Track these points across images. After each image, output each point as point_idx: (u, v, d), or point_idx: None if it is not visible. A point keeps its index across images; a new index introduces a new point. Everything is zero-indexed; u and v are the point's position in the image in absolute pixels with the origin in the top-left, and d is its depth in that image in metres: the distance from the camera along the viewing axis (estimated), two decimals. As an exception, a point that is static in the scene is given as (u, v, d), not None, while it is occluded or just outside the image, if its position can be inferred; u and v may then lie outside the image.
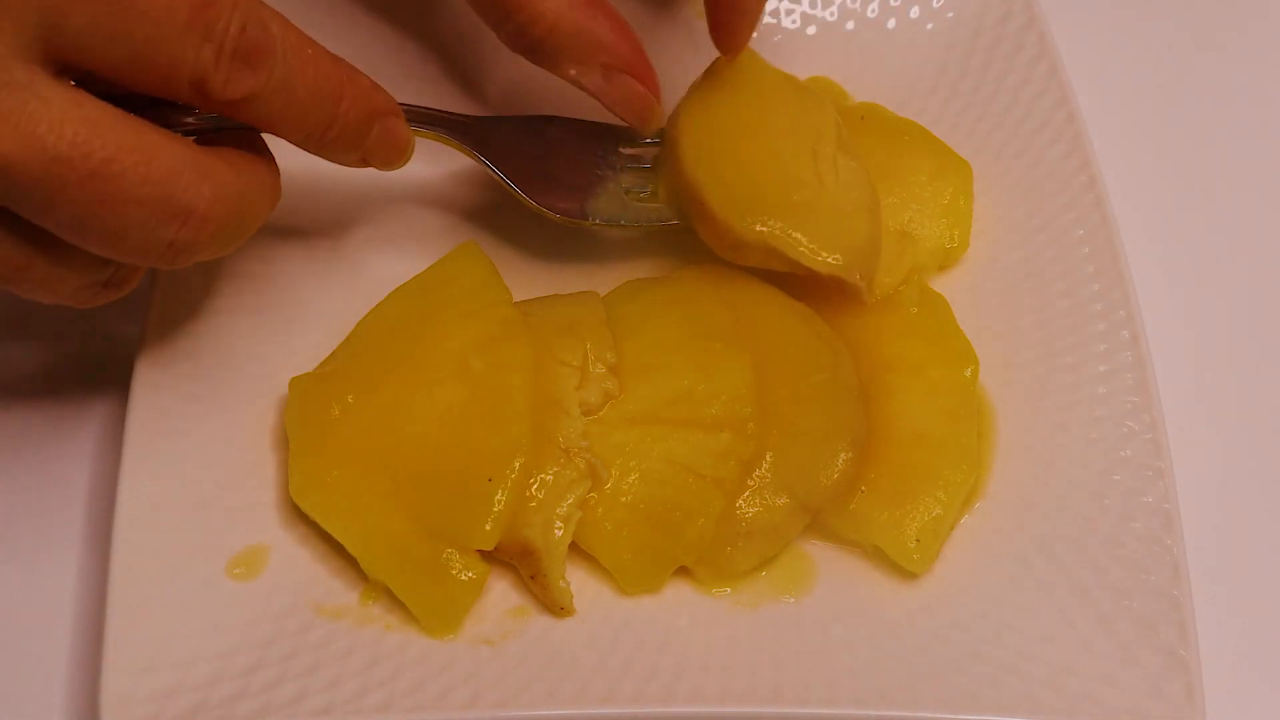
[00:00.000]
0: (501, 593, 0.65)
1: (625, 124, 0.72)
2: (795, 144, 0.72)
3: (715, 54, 0.74)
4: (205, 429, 0.66)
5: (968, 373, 0.70)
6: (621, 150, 0.73)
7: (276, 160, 0.61)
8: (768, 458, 0.66)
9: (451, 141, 0.70)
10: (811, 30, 0.83)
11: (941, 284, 0.74)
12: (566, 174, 0.71)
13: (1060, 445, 0.68)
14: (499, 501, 0.63)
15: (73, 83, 0.51)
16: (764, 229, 0.69)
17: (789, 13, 0.83)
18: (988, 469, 0.68)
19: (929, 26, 0.83)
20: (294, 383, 0.67)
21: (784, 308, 0.71)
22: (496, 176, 0.70)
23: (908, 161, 0.76)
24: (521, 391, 0.65)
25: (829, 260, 0.69)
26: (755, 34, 0.74)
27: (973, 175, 0.76)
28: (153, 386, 0.66)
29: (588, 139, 0.73)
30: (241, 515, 0.65)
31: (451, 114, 0.70)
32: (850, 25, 0.83)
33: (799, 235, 0.69)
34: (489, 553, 0.64)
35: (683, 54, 0.77)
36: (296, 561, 0.64)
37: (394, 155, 0.64)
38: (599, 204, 0.71)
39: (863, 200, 0.72)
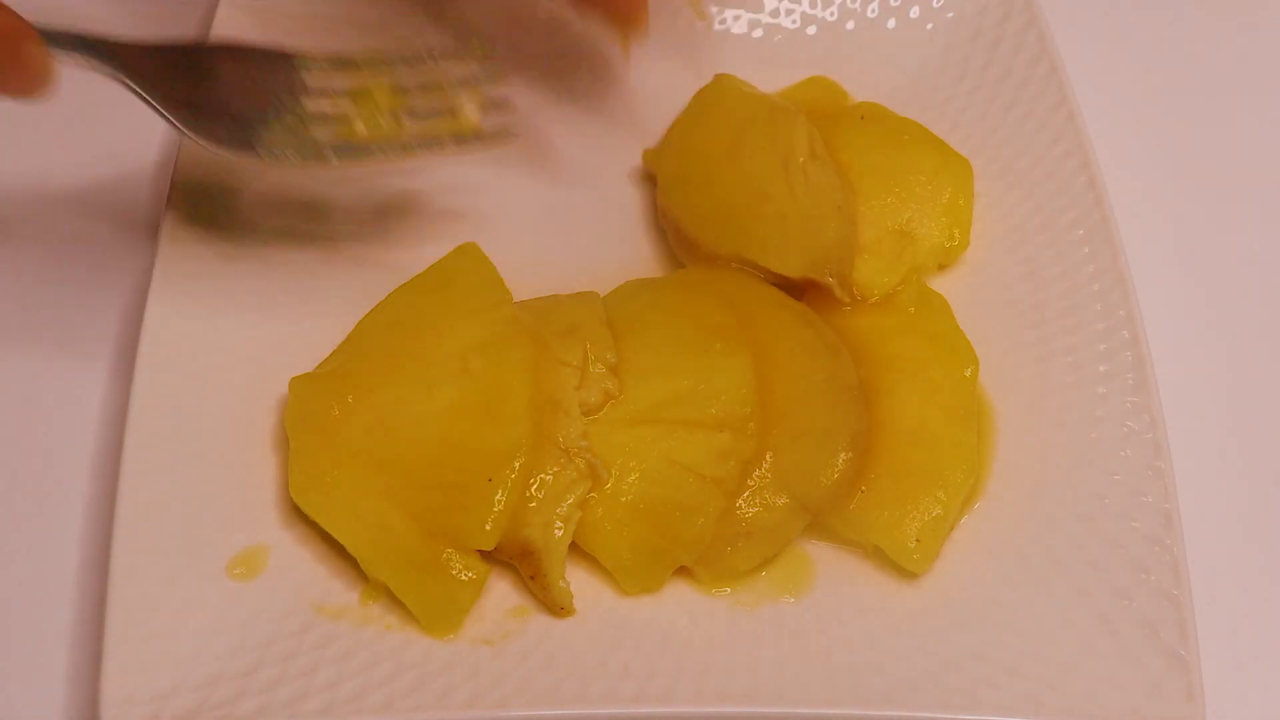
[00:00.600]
0: (501, 593, 0.65)
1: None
2: (766, 161, 0.74)
3: (714, 55, 0.77)
4: (205, 429, 0.66)
5: (967, 372, 0.69)
6: (306, 79, 0.68)
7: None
8: (767, 458, 0.66)
9: (100, 67, 0.62)
10: (812, 30, 0.84)
11: (941, 283, 0.74)
12: (234, 103, 0.66)
13: (1060, 445, 0.68)
14: (499, 502, 0.63)
15: None
16: (734, 241, 0.71)
17: (789, 12, 0.84)
18: (988, 469, 0.68)
19: (929, 26, 0.83)
20: (294, 383, 0.67)
21: (783, 307, 0.71)
22: (149, 105, 0.64)
23: (907, 160, 0.76)
24: (521, 392, 0.65)
25: (795, 263, 0.70)
26: (758, 34, 0.77)
27: (973, 174, 0.76)
28: (152, 387, 0.66)
29: (262, 66, 0.67)
30: (241, 515, 0.65)
31: (100, 37, 0.63)
32: (850, 25, 0.84)
33: (766, 243, 0.71)
34: (489, 553, 0.64)
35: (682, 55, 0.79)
36: (296, 561, 0.64)
37: (29, 82, 0.58)
38: (271, 135, 0.66)
39: (832, 202, 0.73)
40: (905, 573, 0.66)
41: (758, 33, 0.84)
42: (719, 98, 0.78)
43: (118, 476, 0.63)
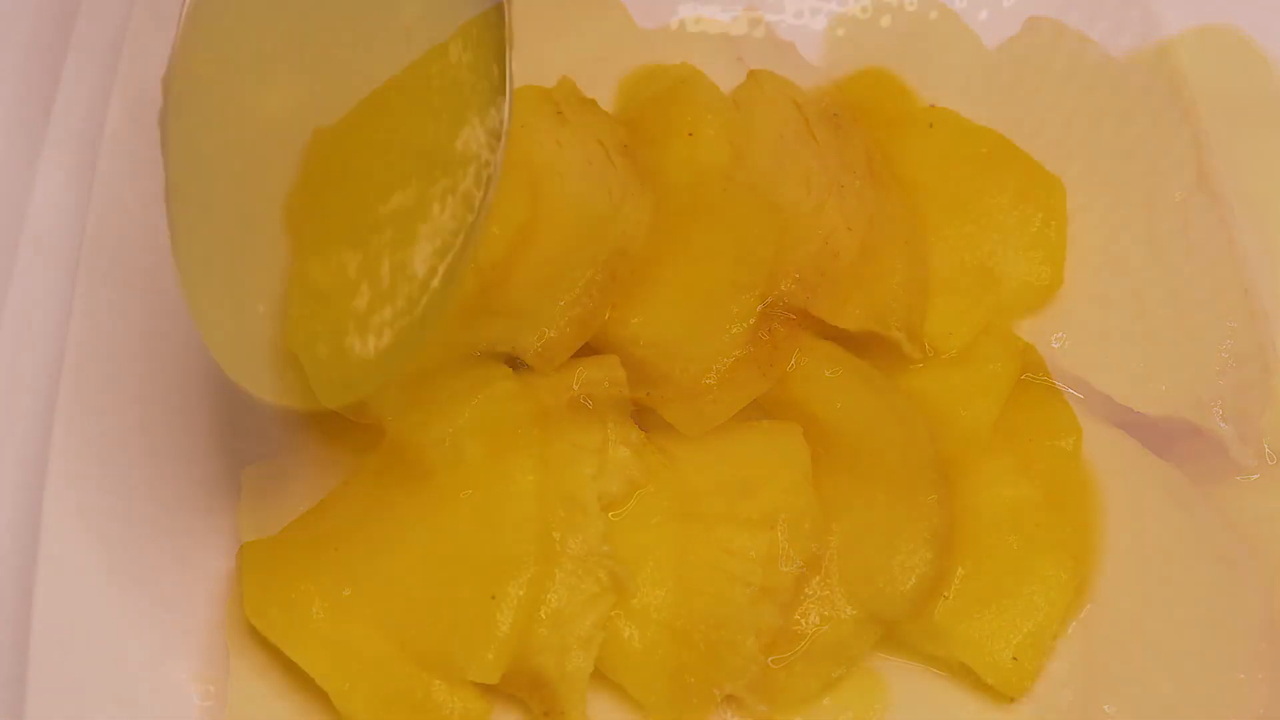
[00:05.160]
0: (508, 734, 0.62)
1: None
2: (812, 184, 0.72)
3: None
4: (136, 529, 0.63)
5: (1068, 444, 0.68)
6: None
7: None
8: (829, 559, 0.64)
9: None
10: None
11: (1031, 331, 0.72)
12: None
13: (1185, 532, 0.66)
14: (504, 623, 0.61)
15: None
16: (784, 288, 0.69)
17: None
18: (1096, 565, 0.66)
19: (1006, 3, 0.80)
20: (249, 473, 0.66)
21: (842, 369, 0.68)
22: None
23: (986, 180, 0.74)
24: (527, 484, 0.63)
25: (853, 313, 0.69)
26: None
27: (1065, 194, 0.73)
28: (71, 465, 0.63)
29: None
30: (178, 640, 0.63)
31: None
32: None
33: (816, 287, 0.69)
34: (493, 686, 0.62)
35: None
36: (253, 698, 0.62)
37: None
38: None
39: (898, 235, 0.71)
40: (999, 695, 0.64)
41: (827, 18, 0.82)
42: (753, 102, 0.75)
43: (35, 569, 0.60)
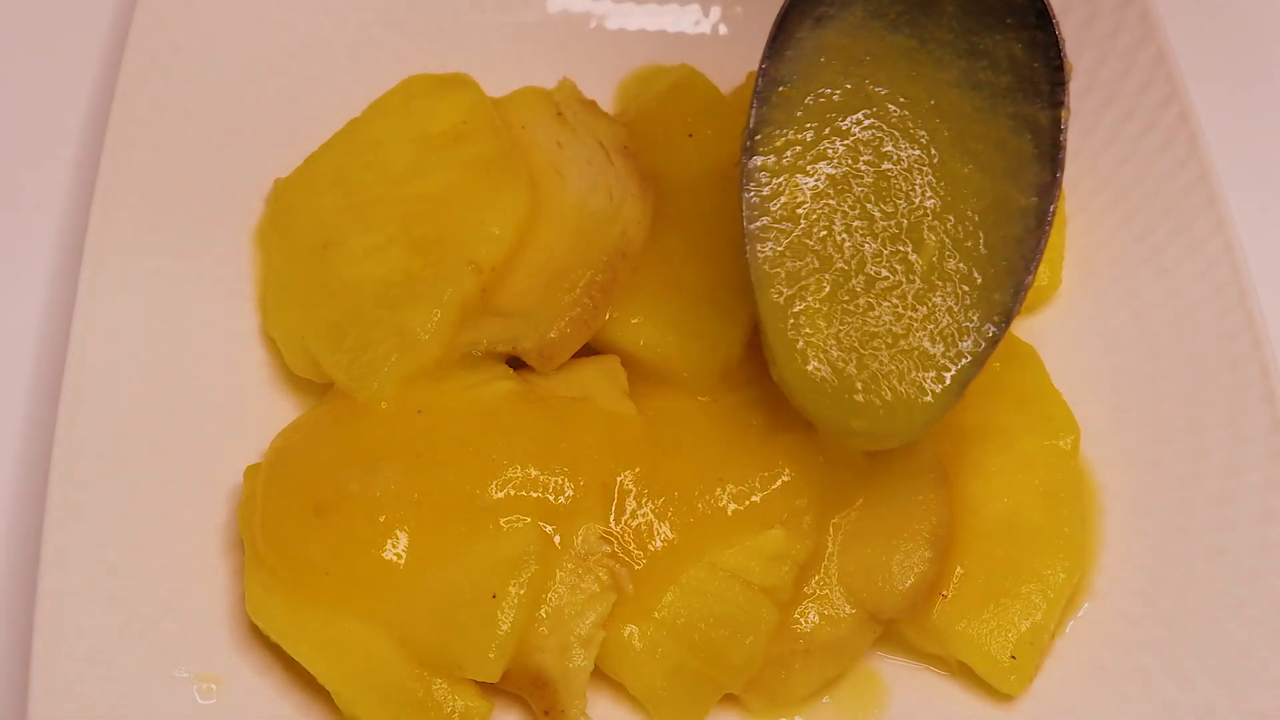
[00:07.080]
0: (509, 732, 0.62)
1: None
2: None
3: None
4: (138, 529, 0.64)
5: (1066, 443, 0.68)
6: None
7: None
8: (828, 558, 0.65)
9: None
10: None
11: (1029, 331, 0.72)
12: None
13: (1183, 531, 0.66)
14: (504, 622, 0.61)
15: None
16: None
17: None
18: (1094, 563, 0.67)
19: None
20: (249, 473, 0.66)
21: None
22: None
23: None
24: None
25: None
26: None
27: (1064, 194, 0.73)
28: (73, 473, 0.63)
29: None
30: (184, 638, 0.63)
31: None
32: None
33: None
34: (493, 684, 0.62)
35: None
36: (253, 696, 0.63)
37: None
38: None
39: None
40: (998, 694, 0.65)
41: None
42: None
43: (35, 591, 0.60)
